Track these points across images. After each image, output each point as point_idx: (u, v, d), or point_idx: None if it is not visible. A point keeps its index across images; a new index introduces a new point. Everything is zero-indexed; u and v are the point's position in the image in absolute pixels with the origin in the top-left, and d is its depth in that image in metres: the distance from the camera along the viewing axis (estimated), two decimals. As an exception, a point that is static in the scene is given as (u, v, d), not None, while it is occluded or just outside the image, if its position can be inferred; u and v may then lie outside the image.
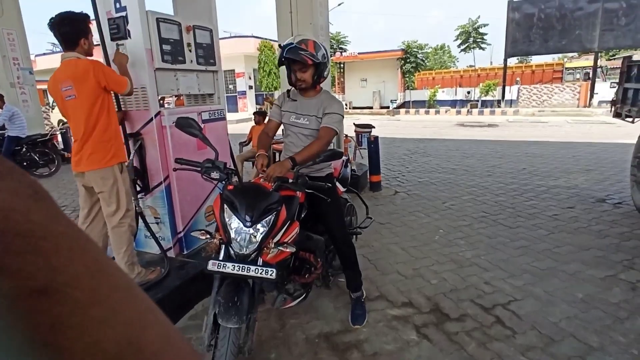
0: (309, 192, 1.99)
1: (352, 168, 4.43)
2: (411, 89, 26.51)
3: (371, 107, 24.81)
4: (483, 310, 2.39)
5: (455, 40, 33.01)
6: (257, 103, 22.23)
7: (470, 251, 3.30)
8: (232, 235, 1.66)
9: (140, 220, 2.59)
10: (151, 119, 2.55)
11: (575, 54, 28.51)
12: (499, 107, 21.40)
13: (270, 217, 1.70)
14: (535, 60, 30.03)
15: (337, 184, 2.47)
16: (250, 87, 23.07)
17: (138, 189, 2.62)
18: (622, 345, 2.03)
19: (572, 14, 19.82)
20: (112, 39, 2.49)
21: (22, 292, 0.17)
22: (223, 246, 1.71)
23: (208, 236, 1.75)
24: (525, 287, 2.66)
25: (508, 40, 21.39)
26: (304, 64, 2.05)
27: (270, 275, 1.61)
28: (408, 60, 25.16)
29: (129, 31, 2.44)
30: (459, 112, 21.35)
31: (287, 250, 1.70)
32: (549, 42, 20.73)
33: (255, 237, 1.66)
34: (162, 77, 2.62)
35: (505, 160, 7.34)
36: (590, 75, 21.04)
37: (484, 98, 22.39)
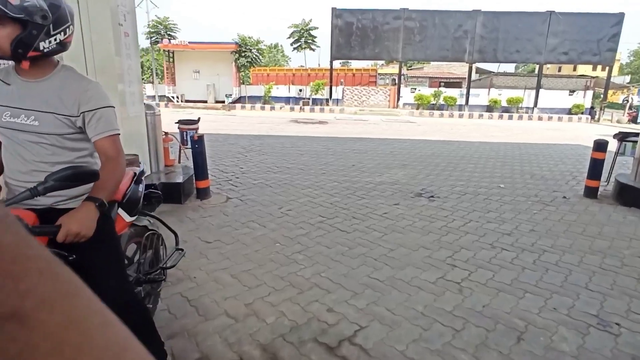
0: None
1: (154, 183, 3.49)
2: (247, 84, 26.12)
3: (205, 101, 23.32)
4: (329, 353, 1.97)
5: (289, 38, 34.20)
6: None
7: (309, 268, 2.90)
8: None
9: None
10: None
11: (384, 62, 33.18)
12: (328, 105, 23.02)
13: None
14: (355, 64, 33.73)
15: (121, 212, 1.64)
16: None
17: None
18: (465, 367, 1.89)
19: (382, 27, 22.74)
20: None
21: None
22: None
23: None
24: (368, 307, 2.38)
25: (333, 44, 23.15)
26: None
27: None
28: (243, 55, 24.55)
29: None
30: (292, 109, 22.03)
31: None
32: (365, 49, 23.36)
33: None
34: None
35: (337, 157, 7.54)
36: (397, 81, 24.67)
37: (314, 96, 23.70)
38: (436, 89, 23.88)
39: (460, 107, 22.11)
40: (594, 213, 4.42)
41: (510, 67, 32.93)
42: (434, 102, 22.61)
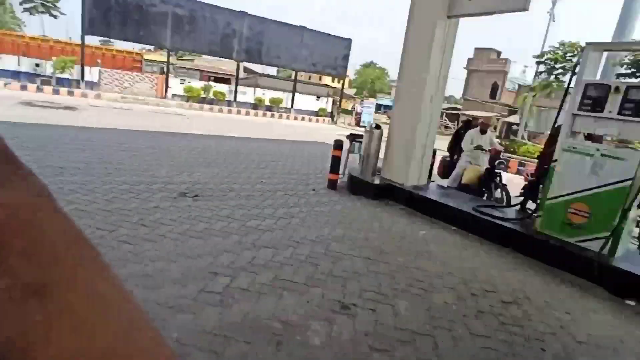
0: None
1: None
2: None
3: None
4: None
5: (15, -5, 26.26)
6: None
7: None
8: None
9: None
10: None
11: (151, 47, 30.25)
12: (79, 88, 19.07)
13: None
14: (118, 45, 29.28)
15: None
16: None
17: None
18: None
19: (148, 8, 20.46)
20: None
21: (15, 289, 0.16)
22: None
23: None
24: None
25: (85, 17, 19.19)
26: None
27: None
28: None
29: None
30: (24, 88, 17.15)
31: None
32: (127, 29, 20.50)
33: None
34: None
35: (90, 152, 6.15)
36: (165, 70, 22.92)
37: (59, 75, 19.18)
38: (206, 83, 23.61)
39: (230, 103, 22.70)
40: (335, 203, 5.21)
41: (273, 70, 36.21)
42: (204, 96, 22.28)
